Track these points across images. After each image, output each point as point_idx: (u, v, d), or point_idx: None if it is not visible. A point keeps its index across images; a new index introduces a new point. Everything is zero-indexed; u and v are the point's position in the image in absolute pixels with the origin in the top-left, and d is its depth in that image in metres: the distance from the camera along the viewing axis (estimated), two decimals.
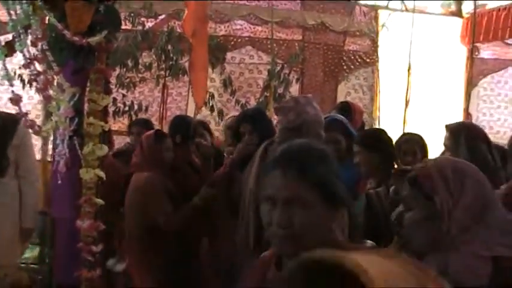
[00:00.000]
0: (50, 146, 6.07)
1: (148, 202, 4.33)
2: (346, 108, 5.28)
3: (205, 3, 5.81)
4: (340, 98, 8.85)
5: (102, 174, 3.16)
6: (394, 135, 7.14)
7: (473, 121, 9.28)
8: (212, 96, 7.93)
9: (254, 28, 8.65)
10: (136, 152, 4.65)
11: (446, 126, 3.78)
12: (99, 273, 3.09)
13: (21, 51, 2.79)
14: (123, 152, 5.44)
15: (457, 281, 1.85)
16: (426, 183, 2.04)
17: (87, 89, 3.35)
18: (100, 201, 3.12)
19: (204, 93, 5.81)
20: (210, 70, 7.48)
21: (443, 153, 3.78)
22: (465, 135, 3.49)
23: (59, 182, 3.06)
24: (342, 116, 4.69)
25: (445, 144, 3.74)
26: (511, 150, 3.16)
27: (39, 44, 2.79)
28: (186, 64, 7.83)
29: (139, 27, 7.73)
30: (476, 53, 9.17)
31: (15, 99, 2.87)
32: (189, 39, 5.63)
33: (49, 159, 6.51)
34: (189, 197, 4.46)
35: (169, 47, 7.69)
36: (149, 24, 7.91)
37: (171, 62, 7.66)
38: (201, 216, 4.44)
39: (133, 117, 7.65)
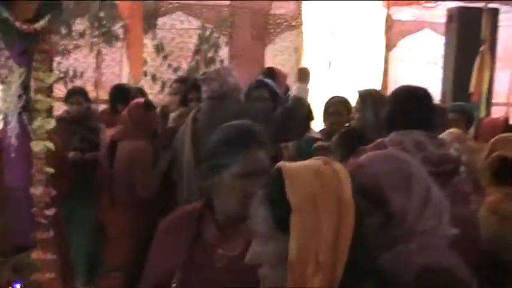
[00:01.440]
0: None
1: (136, 170, 4.53)
2: (271, 73, 5.75)
3: None
4: (268, 60, 9.32)
5: (51, 145, 3.48)
6: (319, 94, 7.69)
7: (393, 80, 9.89)
8: (145, 61, 8.17)
9: None
10: (123, 120, 4.74)
11: (358, 91, 4.24)
12: (52, 234, 3.43)
13: None
14: (62, 119, 5.57)
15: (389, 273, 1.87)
16: (376, 193, 1.96)
17: (33, 67, 3.64)
18: (50, 169, 3.45)
19: (140, 69, 6.13)
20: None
21: (353, 116, 4.22)
22: (371, 100, 3.91)
23: (12, 155, 3.39)
24: (268, 79, 5.16)
25: (355, 108, 4.20)
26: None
27: None
28: (119, 30, 8.10)
29: None
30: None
31: None
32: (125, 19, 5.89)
33: None
34: None
35: (102, 14, 7.92)
36: None
37: (104, 29, 7.90)
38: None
39: (69, 84, 7.90)
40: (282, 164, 1.68)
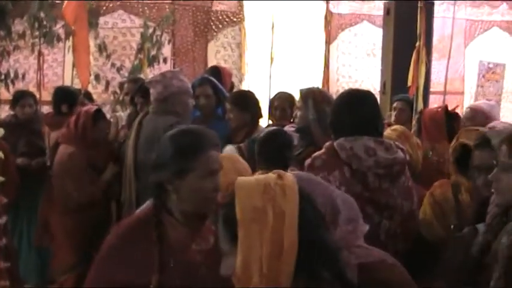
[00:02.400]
0: None
1: (67, 177, 4.56)
2: (216, 71, 5.85)
3: None
4: (210, 57, 9.40)
5: (0, 154, 3.51)
6: (261, 89, 7.81)
7: (334, 72, 10.11)
8: (89, 61, 8.12)
9: None
10: (69, 124, 4.71)
11: (300, 90, 4.33)
12: (5, 242, 3.46)
13: None
14: (7, 123, 5.53)
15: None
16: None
17: None
18: (1, 178, 3.47)
19: (87, 74, 6.12)
20: None
21: (295, 114, 4.31)
22: (312, 99, 3.97)
23: None
24: (211, 77, 5.26)
25: (297, 107, 4.28)
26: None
27: None
28: (60, 31, 8.04)
29: None
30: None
31: None
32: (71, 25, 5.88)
33: None
34: None
35: (42, 14, 7.83)
36: None
37: (45, 30, 7.82)
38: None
39: (10, 85, 7.82)
40: (238, 179, 1.82)
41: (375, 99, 3.29)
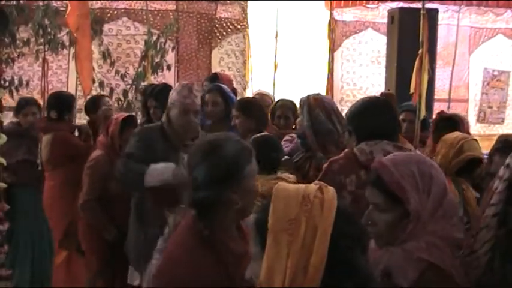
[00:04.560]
0: None
1: (86, 176, 4.71)
2: (214, 77, 5.86)
3: (86, 1, 6.12)
4: (214, 64, 9.41)
5: (2, 160, 3.51)
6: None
7: (338, 79, 10.11)
8: (92, 68, 8.15)
9: (129, 0, 8.95)
10: (103, 131, 4.89)
11: (300, 99, 4.33)
12: (6, 250, 3.46)
13: None
14: (9, 131, 5.54)
15: (389, 275, 2.06)
16: (396, 189, 2.10)
17: None
18: (3, 184, 3.48)
19: (90, 81, 6.14)
20: None
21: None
22: (307, 106, 3.95)
23: None
24: (222, 84, 5.26)
25: (299, 113, 4.31)
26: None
27: None
28: (65, 38, 8.07)
29: (14, 2, 7.84)
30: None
31: None
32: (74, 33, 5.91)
33: None
34: None
35: (46, 21, 7.87)
36: None
37: (49, 37, 7.85)
38: None
39: (14, 92, 7.83)
40: (278, 184, 1.81)
41: (392, 105, 3.34)
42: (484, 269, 2.29)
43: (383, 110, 3.17)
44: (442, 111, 5.04)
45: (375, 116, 3.09)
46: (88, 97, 6.11)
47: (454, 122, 4.55)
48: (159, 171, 3.76)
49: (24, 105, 5.78)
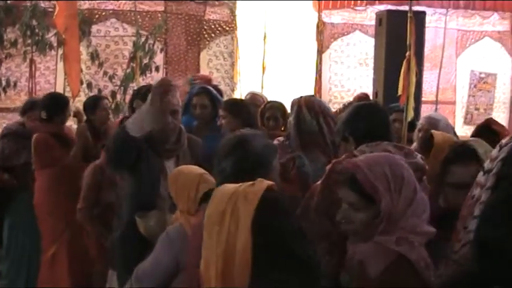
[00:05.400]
0: None
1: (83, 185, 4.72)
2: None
3: (74, 2, 6.10)
4: (203, 65, 9.42)
5: None
6: None
7: (326, 81, 10.13)
8: (80, 69, 8.12)
9: (118, 1, 8.93)
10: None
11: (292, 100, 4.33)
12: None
13: None
14: (13, 133, 5.53)
15: (363, 265, 2.21)
16: (369, 189, 2.20)
17: None
18: None
19: (78, 82, 6.12)
20: None
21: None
22: (297, 105, 3.93)
23: None
24: (209, 87, 5.27)
25: (290, 114, 4.30)
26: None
27: None
28: (53, 39, 8.05)
29: (2, 3, 7.81)
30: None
31: None
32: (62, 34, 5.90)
33: None
34: None
35: (34, 22, 7.85)
36: None
37: (37, 38, 7.83)
38: None
39: (2, 93, 7.81)
40: (221, 186, 1.99)
41: (385, 109, 3.41)
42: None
43: (375, 111, 3.27)
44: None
45: (369, 117, 3.15)
46: (87, 98, 6.11)
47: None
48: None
49: (29, 109, 5.73)
